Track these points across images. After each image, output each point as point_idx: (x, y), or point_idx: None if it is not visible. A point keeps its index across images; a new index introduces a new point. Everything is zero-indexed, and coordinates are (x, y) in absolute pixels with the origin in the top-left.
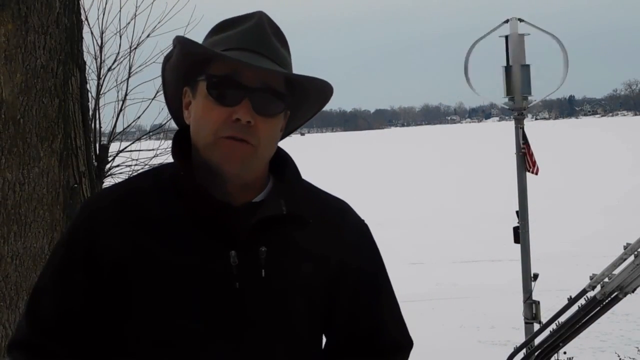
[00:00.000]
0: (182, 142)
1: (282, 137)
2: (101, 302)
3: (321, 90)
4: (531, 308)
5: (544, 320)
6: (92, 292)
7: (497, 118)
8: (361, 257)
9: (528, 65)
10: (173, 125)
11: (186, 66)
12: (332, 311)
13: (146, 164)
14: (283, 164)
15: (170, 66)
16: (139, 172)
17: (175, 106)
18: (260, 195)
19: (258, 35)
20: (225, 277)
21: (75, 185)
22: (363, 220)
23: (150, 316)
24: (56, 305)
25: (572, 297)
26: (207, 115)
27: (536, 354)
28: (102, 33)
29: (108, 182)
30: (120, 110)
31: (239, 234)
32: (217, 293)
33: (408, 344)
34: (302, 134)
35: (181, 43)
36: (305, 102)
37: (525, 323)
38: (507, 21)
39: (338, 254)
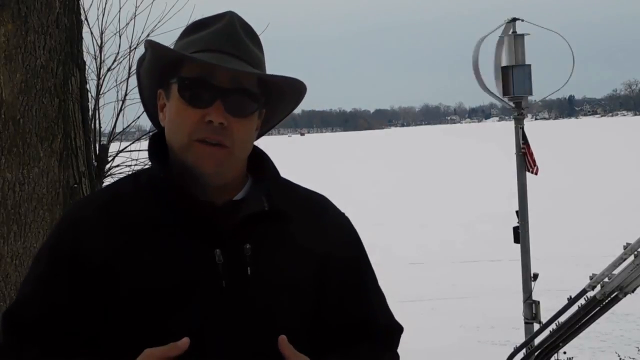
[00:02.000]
0: (159, 144)
1: (259, 136)
2: (87, 309)
3: (295, 88)
4: (531, 308)
5: (544, 320)
6: (77, 299)
7: (497, 118)
8: (345, 248)
9: (528, 65)
10: None
11: (159, 69)
12: (321, 303)
13: (146, 164)
14: (260, 162)
15: (144, 69)
16: (118, 179)
17: (151, 109)
18: (240, 193)
19: (229, 36)
20: (211, 277)
21: (75, 185)
22: (343, 213)
23: (140, 320)
24: (39, 313)
25: (572, 297)
26: (180, 118)
27: (536, 354)
28: (102, 33)
29: (108, 182)
30: (120, 110)
31: (222, 233)
32: (205, 293)
33: (399, 328)
34: (302, 134)
35: (152, 47)
36: (281, 100)
37: (525, 323)
38: (511, 20)
39: (322, 247)
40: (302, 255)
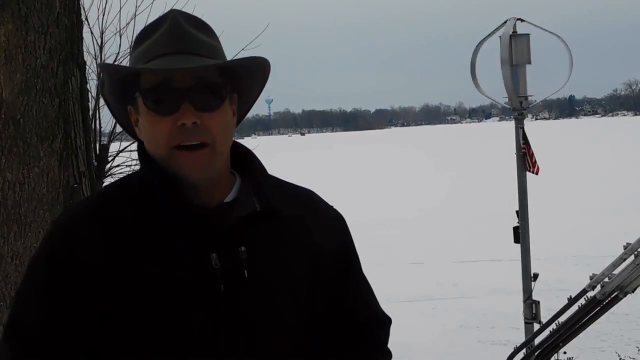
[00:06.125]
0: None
1: (239, 121)
2: (89, 318)
3: (259, 65)
4: (531, 308)
5: (544, 320)
6: (80, 308)
7: (497, 118)
8: (335, 240)
9: (529, 65)
10: None
11: (120, 87)
12: (315, 297)
13: None
14: (246, 161)
15: (106, 91)
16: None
17: (128, 127)
18: (231, 195)
19: (176, 35)
20: (209, 281)
21: (75, 185)
22: (332, 206)
23: (140, 328)
24: (46, 326)
25: (572, 297)
26: (154, 129)
27: (536, 354)
28: (102, 33)
29: (108, 182)
30: None
31: (217, 237)
32: (204, 298)
33: (388, 319)
34: (303, 134)
35: (105, 69)
36: (251, 80)
37: (525, 323)
38: (506, 21)
39: (314, 241)
40: (296, 252)
